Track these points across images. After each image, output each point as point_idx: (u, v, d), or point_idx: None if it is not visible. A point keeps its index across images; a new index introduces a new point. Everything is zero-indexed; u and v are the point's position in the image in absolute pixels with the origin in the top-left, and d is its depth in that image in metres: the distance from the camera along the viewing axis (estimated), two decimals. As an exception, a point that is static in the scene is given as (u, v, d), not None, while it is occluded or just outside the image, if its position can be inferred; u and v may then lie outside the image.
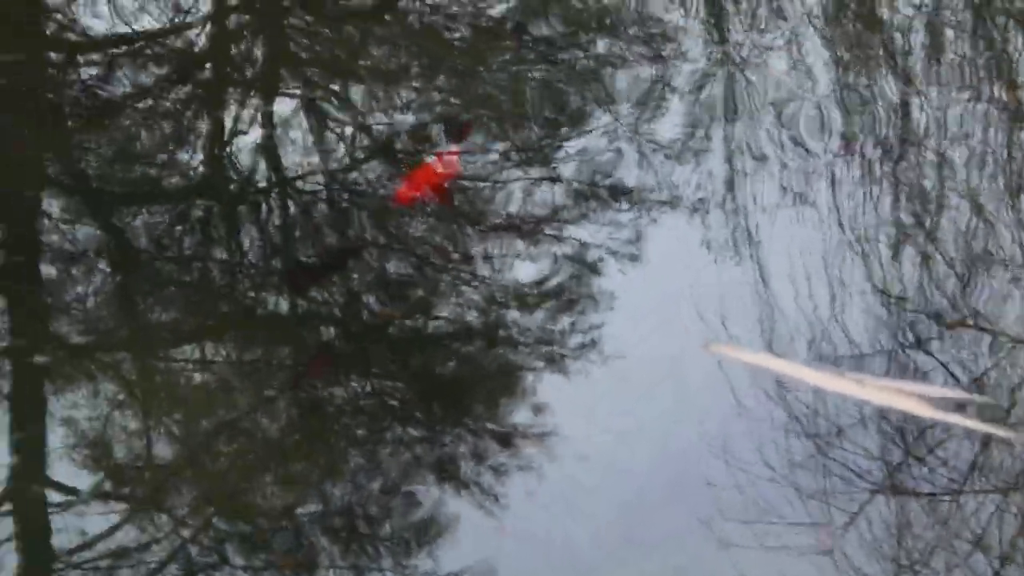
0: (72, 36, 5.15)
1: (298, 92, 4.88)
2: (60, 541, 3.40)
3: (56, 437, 3.64)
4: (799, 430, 3.58)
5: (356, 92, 4.86)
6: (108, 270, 4.15)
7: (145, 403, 3.74)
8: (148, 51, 5.03)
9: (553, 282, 4.09)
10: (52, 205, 4.41)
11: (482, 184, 4.39)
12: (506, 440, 3.63)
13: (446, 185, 4.30)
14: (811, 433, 3.57)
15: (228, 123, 4.72)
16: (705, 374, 3.71)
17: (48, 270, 4.15)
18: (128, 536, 3.40)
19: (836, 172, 4.42)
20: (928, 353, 3.77)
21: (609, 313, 4.00)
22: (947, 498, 3.41)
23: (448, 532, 3.43)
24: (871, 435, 3.57)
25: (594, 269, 4.13)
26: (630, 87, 4.80)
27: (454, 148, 4.44)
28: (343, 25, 5.24)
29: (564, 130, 4.63)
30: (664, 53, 4.95)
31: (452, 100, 4.73)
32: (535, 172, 4.45)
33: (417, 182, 4.29)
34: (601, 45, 5.03)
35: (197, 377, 3.86)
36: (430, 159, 4.42)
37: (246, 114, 4.78)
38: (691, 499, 3.41)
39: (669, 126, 4.64)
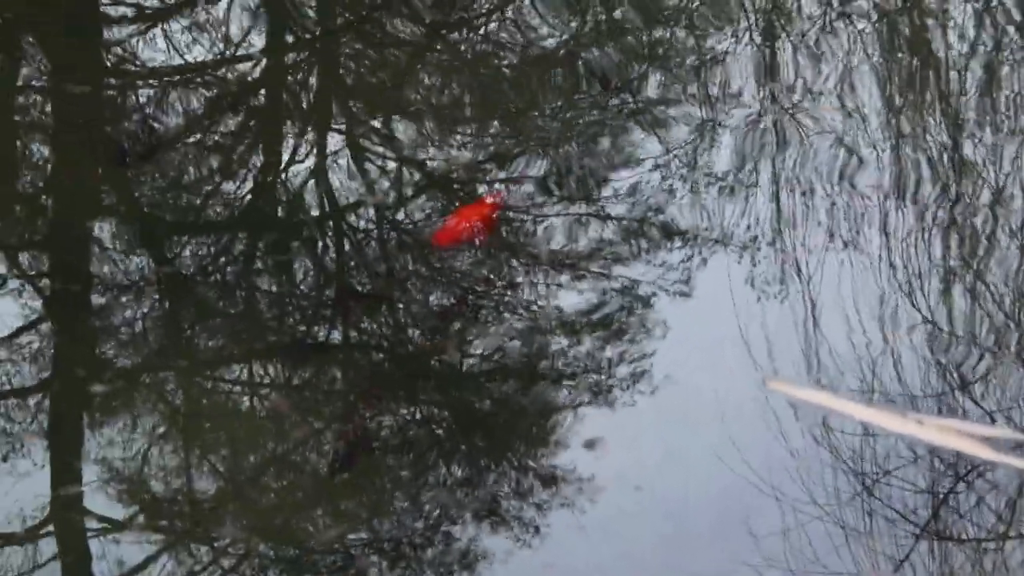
0: (130, 68, 5.18)
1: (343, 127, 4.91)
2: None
3: (95, 468, 3.63)
4: (853, 470, 3.52)
5: (402, 129, 4.87)
6: (158, 299, 4.16)
7: (191, 433, 3.73)
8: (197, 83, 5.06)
9: (609, 316, 4.06)
10: (104, 233, 4.42)
11: (529, 223, 4.38)
12: (553, 474, 3.60)
13: (487, 226, 4.27)
14: (865, 474, 3.51)
15: (273, 158, 4.73)
16: (758, 410, 3.66)
17: (99, 299, 4.15)
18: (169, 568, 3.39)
19: (886, 213, 4.38)
20: (982, 392, 3.70)
21: (664, 348, 3.97)
22: (1003, 543, 3.33)
23: (495, 563, 3.40)
24: (929, 476, 3.51)
25: (648, 304, 4.10)
26: (680, 127, 4.79)
27: (494, 197, 4.43)
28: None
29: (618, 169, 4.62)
30: (713, 92, 4.94)
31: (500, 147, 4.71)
32: (584, 208, 4.44)
33: (458, 225, 4.27)
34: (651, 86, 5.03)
35: (244, 407, 3.85)
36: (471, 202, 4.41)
37: (294, 148, 4.80)
38: (733, 538, 3.35)
39: (721, 164, 4.62)
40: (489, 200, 4.40)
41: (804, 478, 3.50)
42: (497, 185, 4.50)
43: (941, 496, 3.46)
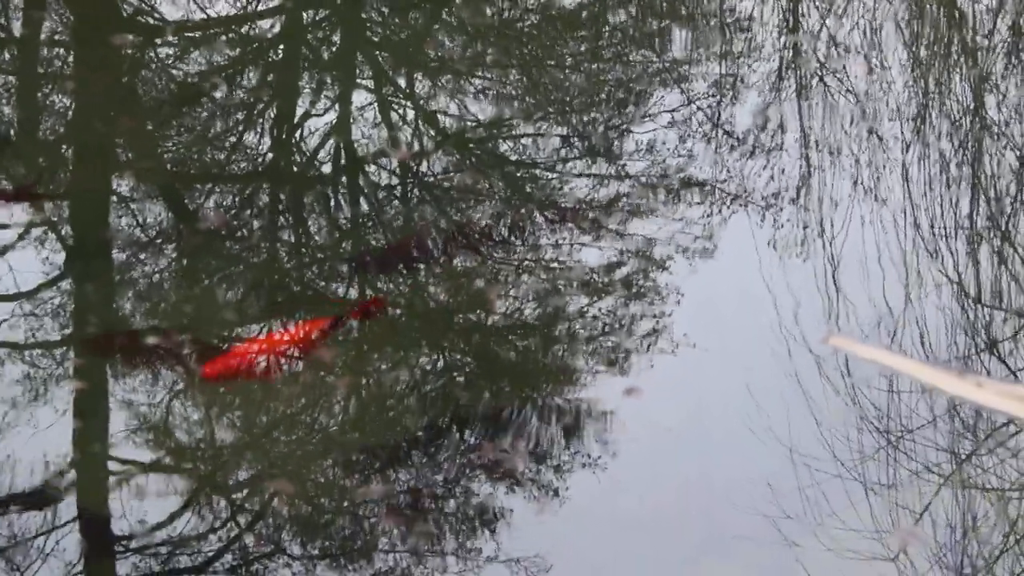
0: (149, 20, 5.17)
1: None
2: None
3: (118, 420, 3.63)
4: (879, 428, 3.51)
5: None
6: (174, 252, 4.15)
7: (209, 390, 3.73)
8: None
9: (634, 274, 4.06)
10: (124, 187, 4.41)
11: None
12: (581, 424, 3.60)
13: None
14: (891, 432, 3.50)
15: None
16: (785, 367, 3.66)
17: (120, 254, 4.14)
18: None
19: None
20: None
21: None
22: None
23: (510, 518, 3.40)
24: (956, 434, 3.50)
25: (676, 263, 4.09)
26: (701, 83, 4.77)
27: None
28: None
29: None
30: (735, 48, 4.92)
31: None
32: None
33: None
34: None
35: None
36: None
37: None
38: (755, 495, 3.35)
39: (745, 122, 4.60)
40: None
41: (828, 435, 3.49)
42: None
43: (964, 455, 3.45)
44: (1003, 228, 4.13)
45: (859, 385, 3.62)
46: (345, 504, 3.40)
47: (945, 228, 4.13)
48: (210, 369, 3.67)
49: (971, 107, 4.62)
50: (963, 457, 3.44)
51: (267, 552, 3.30)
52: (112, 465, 3.47)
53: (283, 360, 3.67)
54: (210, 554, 3.29)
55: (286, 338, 3.71)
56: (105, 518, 3.36)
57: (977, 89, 4.69)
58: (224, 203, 4.32)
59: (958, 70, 4.83)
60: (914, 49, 4.92)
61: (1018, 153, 4.39)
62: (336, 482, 3.46)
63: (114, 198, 4.32)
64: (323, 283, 4.05)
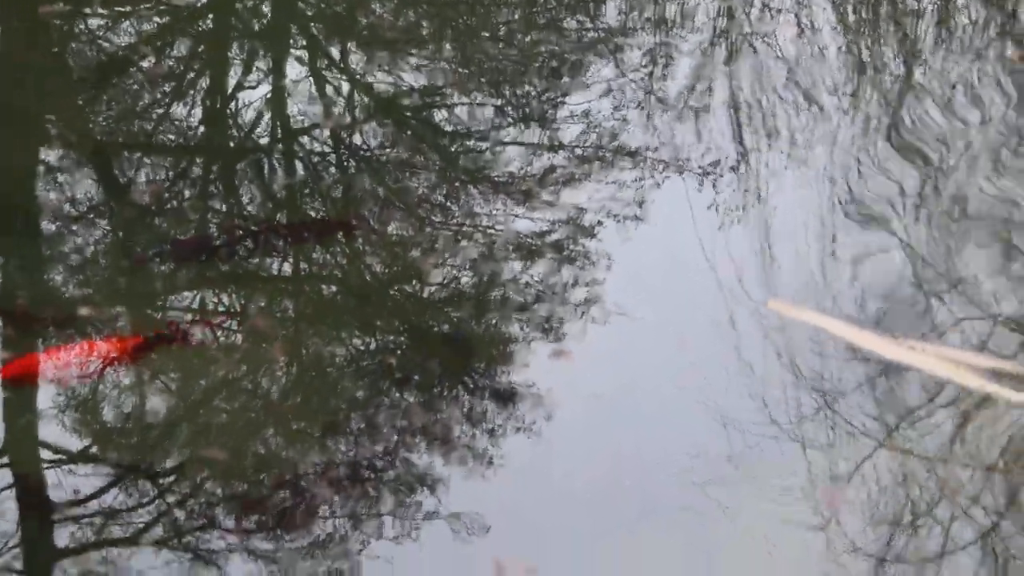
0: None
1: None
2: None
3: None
4: (815, 389, 3.53)
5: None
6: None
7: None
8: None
9: (565, 240, 4.06)
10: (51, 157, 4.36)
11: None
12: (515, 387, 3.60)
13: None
14: (826, 393, 3.52)
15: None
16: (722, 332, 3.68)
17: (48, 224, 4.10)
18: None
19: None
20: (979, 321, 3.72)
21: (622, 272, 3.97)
22: (980, 468, 3.34)
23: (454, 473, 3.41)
24: (894, 396, 3.53)
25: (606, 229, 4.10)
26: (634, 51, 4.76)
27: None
28: None
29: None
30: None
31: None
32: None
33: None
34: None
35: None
36: None
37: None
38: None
39: (678, 86, 4.60)
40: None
41: (765, 400, 3.51)
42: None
43: (899, 416, 3.47)
44: (935, 193, 4.16)
45: (797, 349, 3.64)
46: (284, 471, 3.39)
47: (881, 193, 4.15)
48: (9, 370, 3.62)
49: (901, 72, 4.64)
50: (898, 419, 3.46)
51: (202, 524, 3.29)
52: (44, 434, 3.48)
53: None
54: (141, 526, 3.29)
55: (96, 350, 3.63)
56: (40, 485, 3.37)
57: (907, 53, 4.71)
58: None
59: (888, 32, 4.84)
60: (843, 11, 4.94)
61: (944, 115, 4.42)
62: (276, 451, 3.46)
63: None
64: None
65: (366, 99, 4.64)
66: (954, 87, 4.55)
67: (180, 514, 3.31)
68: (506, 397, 3.60)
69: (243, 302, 3.90)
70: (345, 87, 4.69)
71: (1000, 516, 3.24)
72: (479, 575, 3.20)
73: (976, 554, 3.17)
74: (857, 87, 4.59)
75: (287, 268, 3.98)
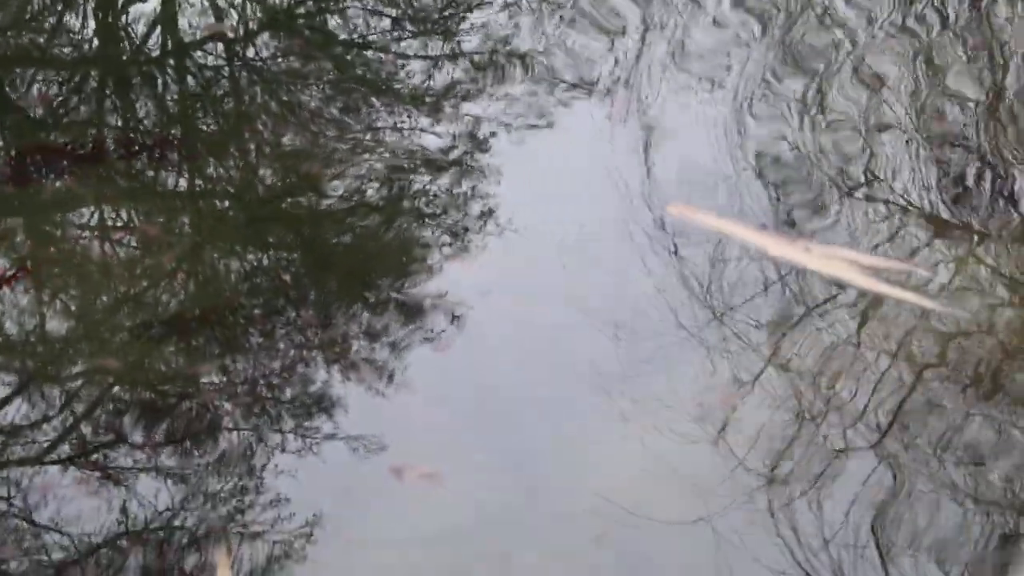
0: None
1: None
2: None
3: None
4: (706, 298, 3.54)
5: None
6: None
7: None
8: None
9: (454, 156, 4.03)
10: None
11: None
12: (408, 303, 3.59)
13: None
14: (720, 302, 3.53)
15: None
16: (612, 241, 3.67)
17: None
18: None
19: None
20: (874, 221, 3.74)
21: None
22: (871, 368, 3.37)
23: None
24: (786, 301, 3.54)
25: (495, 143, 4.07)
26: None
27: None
28: None
29: None
30: None
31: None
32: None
33: None
34: None
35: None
36: None
37: None
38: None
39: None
40: None
41: (661, 306, 3.52)
42: None
43: (795, 319, 3.50)
44: (829, 94, 4.17)
45: (693, 254, 3.65)
46: (187, 387, 3.38)
47: (779, 96, 4.16)
48: None
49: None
50: (794, 321, 3.49)
51: (106, 441, 3.27)
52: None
53: None
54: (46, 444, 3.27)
55: None
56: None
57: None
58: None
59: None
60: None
61: (829, 11, 4.43)
62: (176, 366, 3.44)
63: None
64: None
65: (258, 10, 4.59)
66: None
67: (76, 430, 3.29)
68: (399, 313, 3.60)
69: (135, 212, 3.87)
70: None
71: (893, 420, 3.28)
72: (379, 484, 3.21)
73: (870, 460, 3.20)
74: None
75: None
